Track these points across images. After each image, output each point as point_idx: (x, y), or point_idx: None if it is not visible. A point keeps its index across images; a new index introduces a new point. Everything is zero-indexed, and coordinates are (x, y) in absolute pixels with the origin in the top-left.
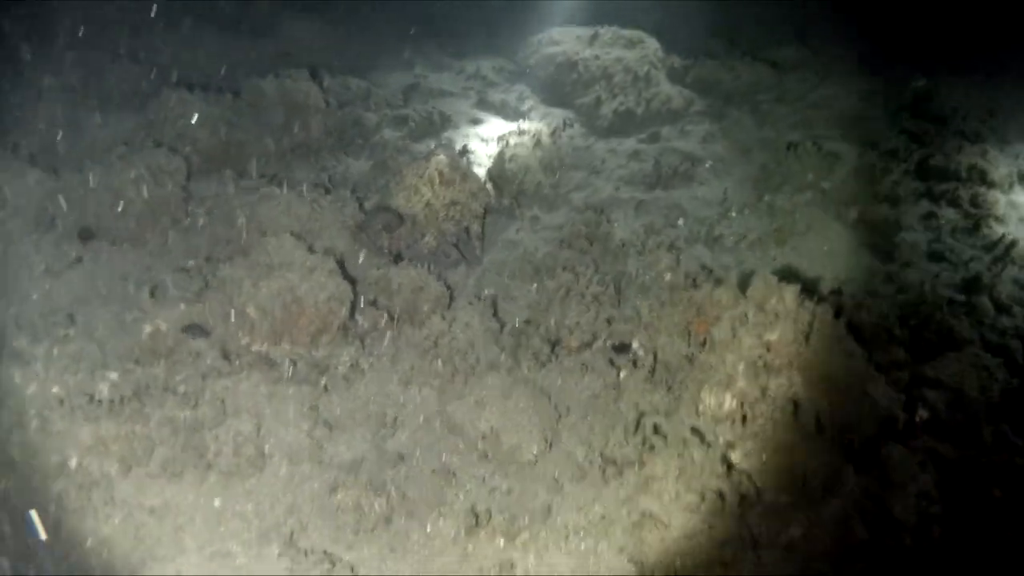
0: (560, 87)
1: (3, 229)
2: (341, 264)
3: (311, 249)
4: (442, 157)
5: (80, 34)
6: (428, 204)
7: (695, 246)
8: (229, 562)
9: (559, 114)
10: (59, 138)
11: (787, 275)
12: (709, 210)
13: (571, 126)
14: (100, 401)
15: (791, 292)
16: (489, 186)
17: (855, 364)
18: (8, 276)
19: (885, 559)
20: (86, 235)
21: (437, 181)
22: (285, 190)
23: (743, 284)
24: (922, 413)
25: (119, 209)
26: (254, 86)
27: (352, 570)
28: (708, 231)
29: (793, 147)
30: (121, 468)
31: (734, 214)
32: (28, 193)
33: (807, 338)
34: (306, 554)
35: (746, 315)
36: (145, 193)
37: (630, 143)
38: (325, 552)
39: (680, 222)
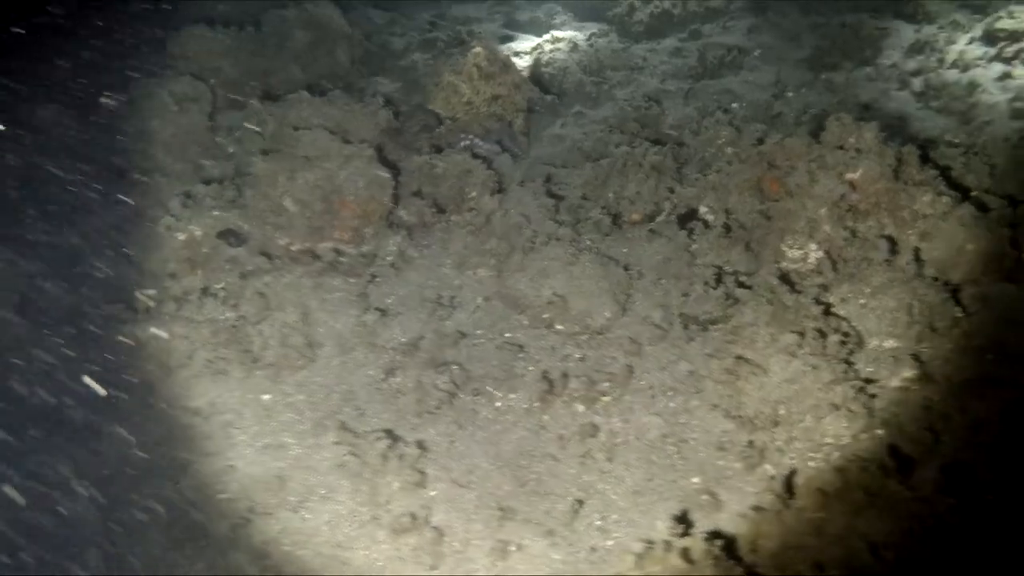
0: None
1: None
2: (381, 154)
3: (346, 141)
4: (479, 49)
5: None
6: (469, 103)
7: (753, 124)
8: (283, 453)
9: (592, 26)
10: (79, 76)
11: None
12: (763, 92)
13: (606, 35)
14: (136, 310)
15: (871, 129)
16: None
17: (951, 202)
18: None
19: (1004, 394)
20: (115, 171)
21: (476, 76)
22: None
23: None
24: None
25: (145, 140)
26: (276, 15)
27: (421, 448)
28: (765, 110)
29: (848, 25)
30: (161, 372)
31: (791, 93)
32: (50, 131)
33: (895, 174)
34: (366, 437)
35: (823, 157)
36: (171, 122)
37: (670, 42)
38: (387, 432)
39: (734, 105)
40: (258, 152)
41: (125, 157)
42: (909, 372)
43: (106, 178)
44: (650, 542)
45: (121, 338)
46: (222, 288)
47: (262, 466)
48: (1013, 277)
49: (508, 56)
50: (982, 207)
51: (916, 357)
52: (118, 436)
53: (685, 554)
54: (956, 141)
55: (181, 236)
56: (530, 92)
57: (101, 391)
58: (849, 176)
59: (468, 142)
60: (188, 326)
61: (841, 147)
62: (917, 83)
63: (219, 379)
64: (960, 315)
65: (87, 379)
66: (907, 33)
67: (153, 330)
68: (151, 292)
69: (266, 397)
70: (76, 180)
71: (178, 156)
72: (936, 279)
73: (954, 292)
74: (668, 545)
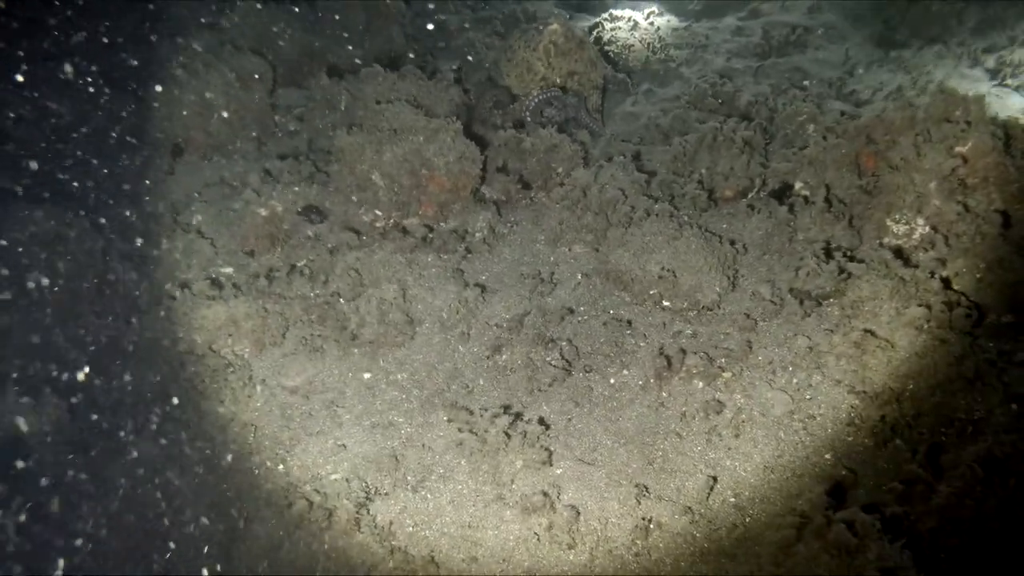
0: None
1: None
2: (467, 127)
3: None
4: (556, 26)
5: None
6: (543, 79)
7: (829, 101)
8: (394, 432)
9: (648, 5)
10: (135, 58)
11: None
12: (834, 70)
13: (662, 14)
14: (221, 286)
15: (977, 100)
16: None
17: None
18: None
19: None
20: (176, 151)
21: (552, 53)
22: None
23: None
24: None
25: (207, 118)
26: None
27: (539, 426)
28: (839, 88)
29: (916, 2)
30: (254, 349)
31: (862, 71)
32: (109, 111)
33: (1007, 146)
34: (480, 415)
35: (928, 131)
36: (233, 100)
37: (729, 20)
38: (501, 409)
39: (805, 83)
40: (332, 127)
41: (184, 135)
42: None
43: (165, 156)
44: (805, 517)
45: (208, 316)
46: (308, 264)
47: (373, 445)
48: None
49: (584, 33)
50: None
51: None
52: (215, 414)
53: (851, 528)
54: None
55: (263, 212)
56: (605, 70)
57: (193, 368)
58: (959, 149)
59: (539, 99)
60: (280, 303)
61: (947, 120)
62: (990, 61)
63: (315, 357)
64: None
65: (180, 355)
66: (974, 10)
67: (243, 307)
68: (229, 270)
69: (367, 375)
70: (137, 158)
71: (240, 134)
72: None
73: None
74: (828, 519)
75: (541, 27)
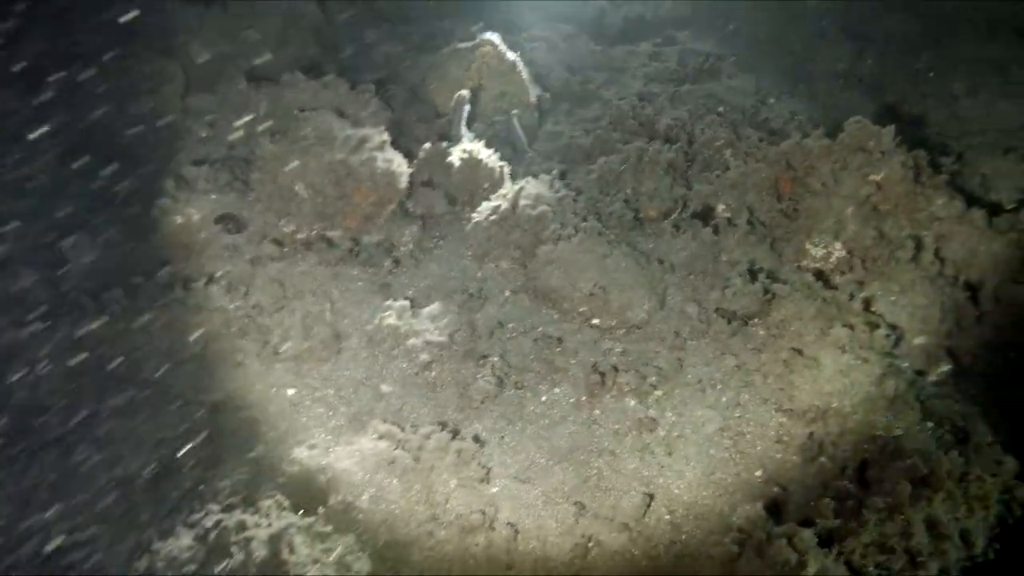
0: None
1: None
2: (394, 141)
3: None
4: (488, 48)
5: None
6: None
7: (743, 128)
8: (319, 451)
9: (563, 28)
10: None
11: None
12: (746, 99)
13: (578, 37)
14: (135, 295)
15: (888, 133)
16: None
17: (963, 205)
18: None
19: None
20: (77, 152)
21: (484, 73)
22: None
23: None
24: None
25: (114, 121)
26: None
27: (473, 443)
28: (752, 116)
29: (823, 35)
30: (172, 365)
31: (773, 100)
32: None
33: (917, 177)
34: (412, 433)
35: (844, 159)
36: (143, 101)
37: (646, 46)
38: (433, 427)
39: (720, 109)
40: (249, 134)
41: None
42: (944, 366)
43: (71, 161)
44: (744, 533)
45: (123, 327)
46: (226, 275)
47: (299, 465)
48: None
49: (515, 56)
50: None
51: (950, 352)
52: (128, 429)
53: (792, 544)
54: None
55: (178, 219)
56: (536, 91)
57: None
58: (873, 177)
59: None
60: (199, 315)
61: (862, 149)
62: (887, 97)
63: (237, 371)
64: (980, 313)
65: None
66: (872, 51)
67: (159, 318)
68: (140, 279)
69: (291, 392)
70: (45, 164)
71: (150, 139)
72: (956, 278)
73: (972, 292)
74: (768, 535)
75: (473, 47)
